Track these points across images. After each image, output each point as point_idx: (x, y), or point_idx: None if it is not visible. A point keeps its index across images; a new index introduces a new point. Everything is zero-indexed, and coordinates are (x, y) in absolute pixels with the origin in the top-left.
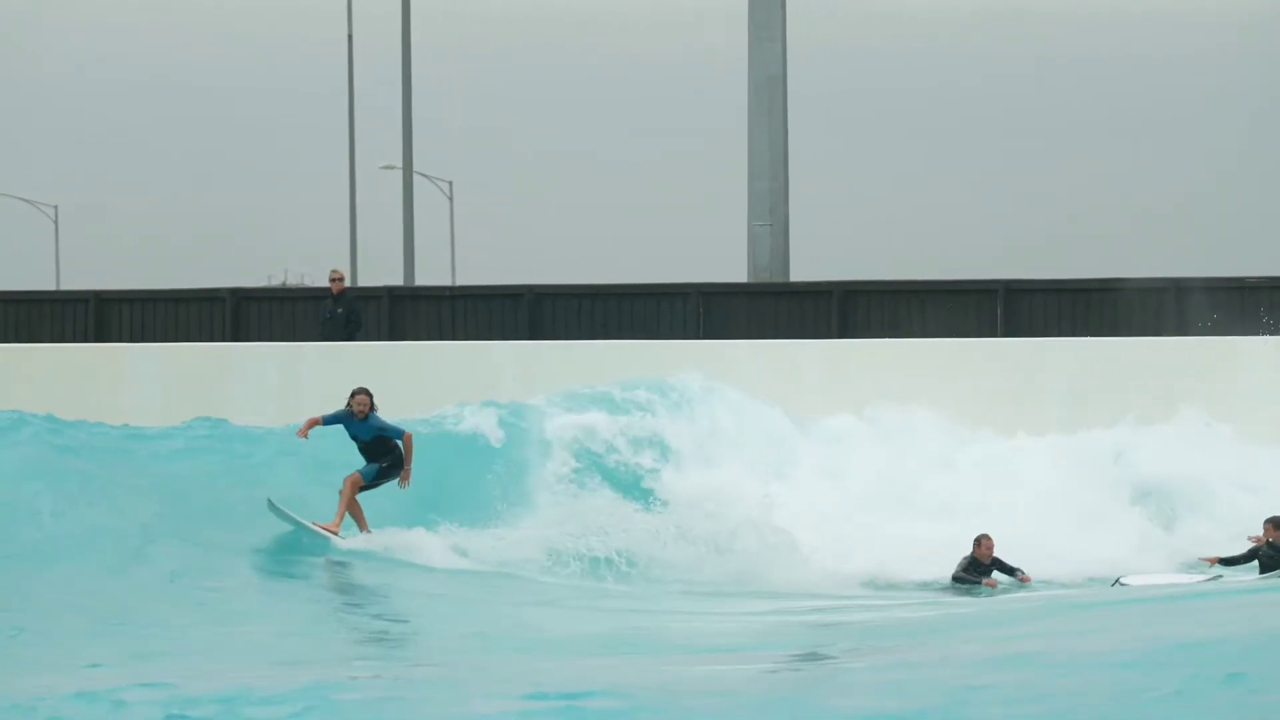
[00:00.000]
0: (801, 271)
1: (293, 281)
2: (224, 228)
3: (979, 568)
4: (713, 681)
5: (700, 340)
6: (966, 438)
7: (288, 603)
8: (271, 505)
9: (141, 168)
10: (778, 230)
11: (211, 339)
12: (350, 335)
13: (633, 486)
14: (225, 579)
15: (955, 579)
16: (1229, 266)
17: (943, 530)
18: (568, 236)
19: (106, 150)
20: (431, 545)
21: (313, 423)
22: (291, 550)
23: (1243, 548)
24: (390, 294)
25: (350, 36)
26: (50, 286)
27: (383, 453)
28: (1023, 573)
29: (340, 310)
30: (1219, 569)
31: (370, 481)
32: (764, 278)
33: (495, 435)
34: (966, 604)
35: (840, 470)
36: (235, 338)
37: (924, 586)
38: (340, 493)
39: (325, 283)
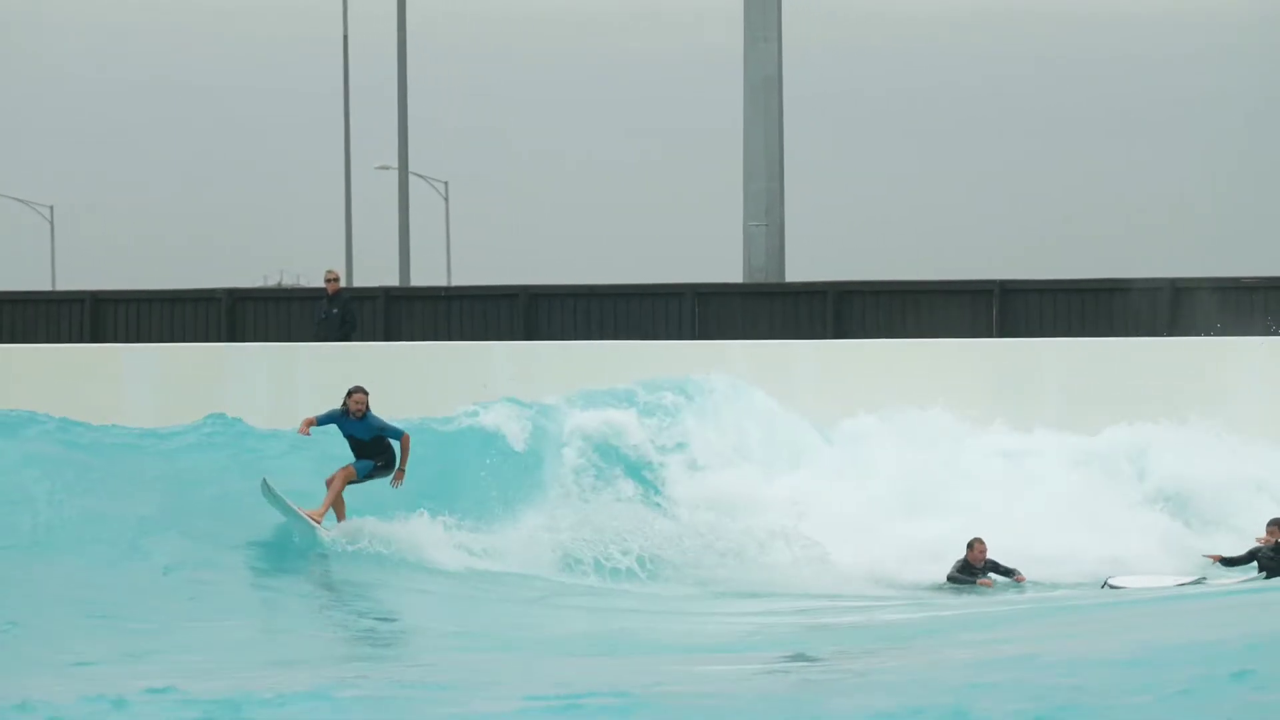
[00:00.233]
0: (797, 272)
1: (288, 282)
2: (220, 228)
3: (972, 570)
4: (712, 682)
5: (696, 340)
6: (980, 438)
7: (289, 601)
8: (266, 487)
9: (137, 168)
10: (773, 230)
11: (207, 339)
12: (345, 336)
13: (651, 487)
14: (222, 573)
15: (950, 579)
16: (1227, 267)
17: (962, 530)
18: (563, 237)
19: (102, 150)
20: (443, 544)
21: (308, 423)
22: (293, 545)
23: (1244, 548)
24: (386, 294)
25: (346, 37)
26: (46, 287)
27: (378, 452)
28: (1018, 573)
29: (335, 311)
30: (1216, 569)
31: (361, 478)
32: (759, 278)
33: (513, 434)
34: (960, 605)
35: (860, 472)
36: (231, 338)
37: (941, 588)
38: (328, 482)
39: (321, 283)
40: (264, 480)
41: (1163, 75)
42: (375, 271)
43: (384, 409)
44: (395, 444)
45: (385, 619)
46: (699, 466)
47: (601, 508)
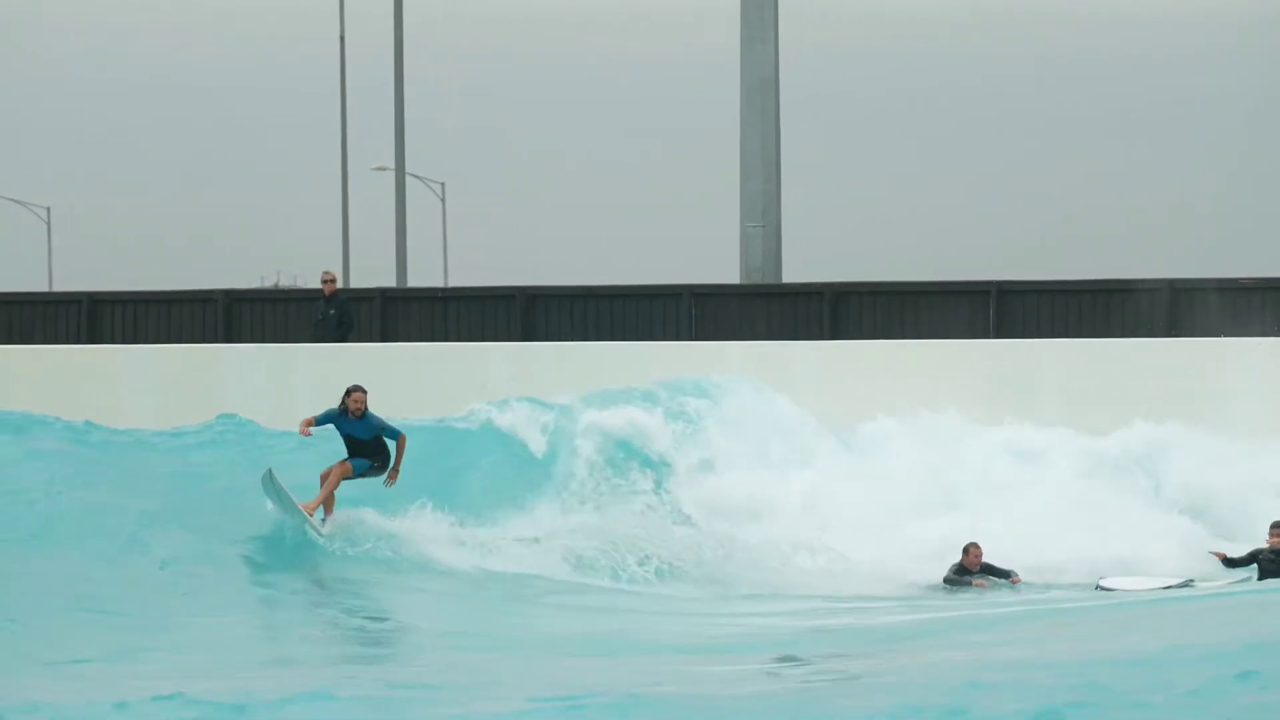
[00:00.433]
0: (794, 273)
1: (285, 283)
2: (217, 228)
3: (968, 574)
4: (714, 683)
5: (694, 341)
6: (991, 440)
7: (288, 598)
8: (270, 476)
9: (134, 169)
10: (770, 231)
11: (204, 340)
12: (342, 336)
13: (664, 489)
14: (220, 568)
15: (946, 581)
16: (1227, 267)
17: (979, 533)
18: (560, 237)
19: (99, 151)
20: (451, 542)
21: (307, 423)
22: (293, 542)
23: (1246, 549)
24: (382, 295)
25: (342, 37)
26: (43, 288)
27: (376, 452)
28: (1014, 575)
29: (332, 311)
30: (1214, 569)
31: (356, 475)
32: (756, 279)
33: (527, 433)
34: (957, 606)
35: (878, 475)
36: (228, 339)
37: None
38: (323, 476)
39: (318, 284)
40: (269, 470)
41: (1163, 75)
42: (372, 272)
43: (381, 410)
44: (391, 444)
45: (381, 619)
46: (716, 469)
47: (615, 509)
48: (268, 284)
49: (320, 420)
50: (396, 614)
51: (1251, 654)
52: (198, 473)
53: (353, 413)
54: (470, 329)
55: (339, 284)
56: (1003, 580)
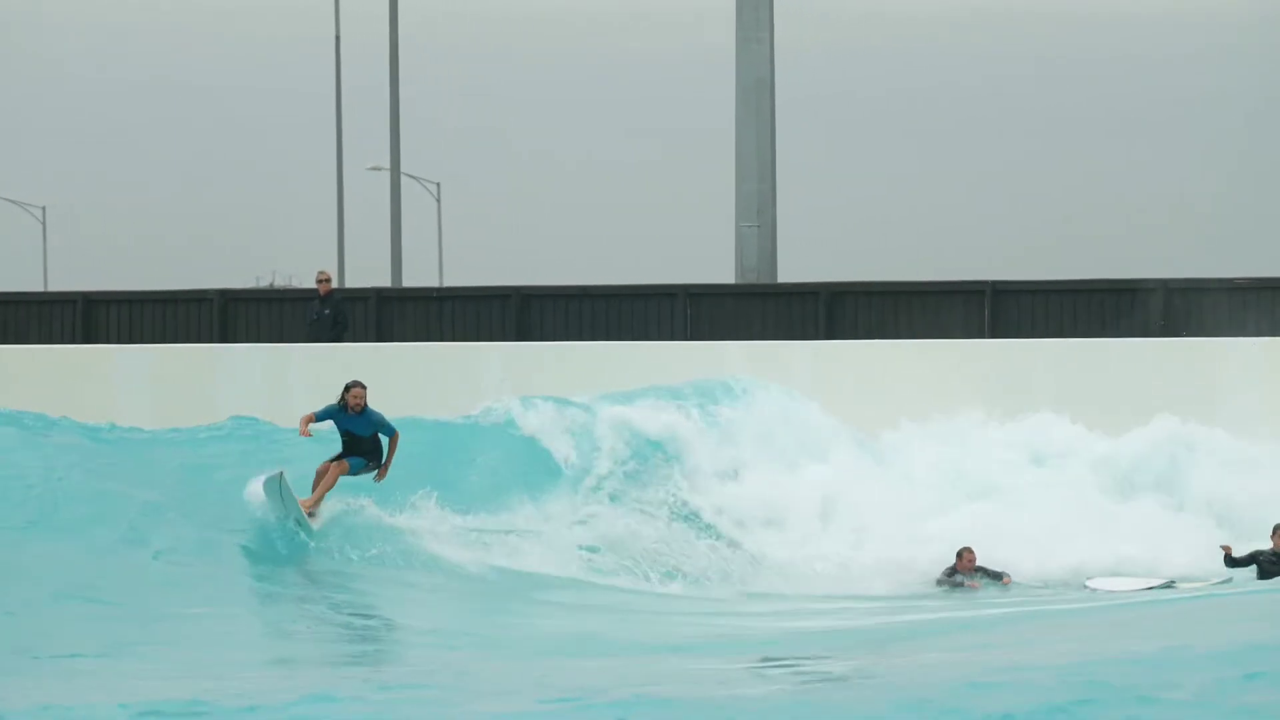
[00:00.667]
0: (790, 273)
1: (280, 283)
2: (212, 228)
3: (961, 576)
4: (714, 684)
5: (689, 341)
6: (1007, 438)
7: (289, 597)
8: (280, 480)
9: (129, 168)
10: (765, 232)
11: (199, 340)
12: (337, 336)
13: (681, 489)
14: (217, 563)
15: (939, 583)
16: (1227, 267)
17: (998, 532)
18: (556, 237)
19: (94, 151)
20: (457, 540)
21: (308, 419)
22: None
23: (1247, 549)
24: (378, 295)
25: (338, 37)
26: (38, 288)
27: (373, 448)
28: (1006, 576)
29: (327, 311)
30: (1185, 575)
31: (353, 473)
32: (751, 279)
33: (544, 434)
34: (950, 608)
35: (896, 479)
36: (223, 339)
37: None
38: (319, 473)
39: (313, 284)
40: (280, 473)
41: (1163, 75)
42: (367, 272)
43: (376, 409)
44: (384, 440)
45: (380, 617)
46: (730, 468)
47: (629, 508)
48: (263, 284)
49: (320, 416)
50: (398, 612)
51: (1254, 654)
52: (205, 465)
53: (352, 408)
54: (465, 329)
55: (334, 284)
56: (995, 581)
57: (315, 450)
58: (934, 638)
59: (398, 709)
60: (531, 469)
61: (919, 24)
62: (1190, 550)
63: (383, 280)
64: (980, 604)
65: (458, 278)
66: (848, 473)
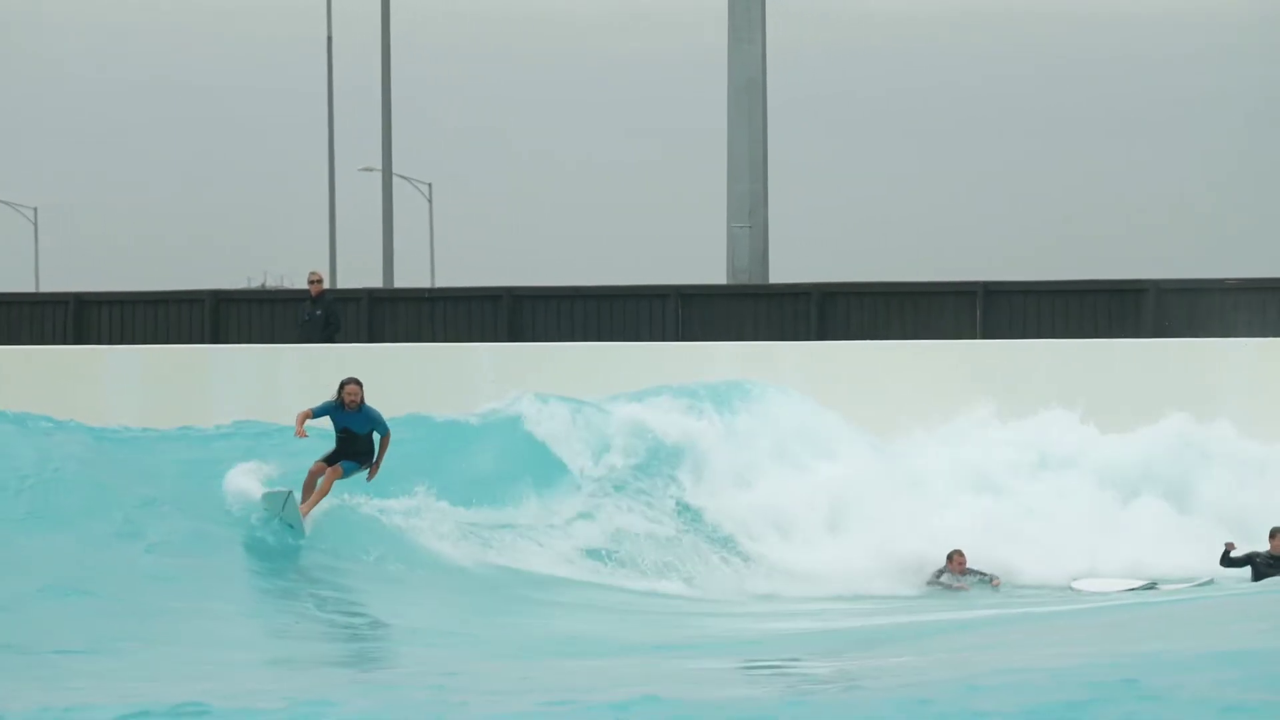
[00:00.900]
0: (783, 274)
1: (272, 283)
2: (204, 229)
3: (952, 578)
4: (707, 685)
5: (682, 342)
6: (1021, 438)
7: (283, 597)
8: (286, 499)
9: (120, 169)
10: (757, 232)
11: (191, 341)
12: (329, 337)
13: (681, 492)
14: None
15: (928, 584)
16: (1227, 267)
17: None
18: (547, 237)
19: (89, 151)
20: (459, 538)
21: (304, 416)
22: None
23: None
24: (369, 296)
25: (329, 38)
26: (29, 288)
27: (365, 448)
28: (996, 578)
29: (319, 312)
30: (1228, 568)
31: (345, 476)
32: (743, 279)
33: (550, 432)
34: (940, 609)
35: (907, 483)
36: (215, 339)
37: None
38: (311, 474)
39: (305, 284)
40: (289, 493)
41: (1163, 75)
42: (359, 273)
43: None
44: (376, 438)
45: (378, 618)
46: (734, 469)
47: (634, 512)
48: (255, 284)
49: (318, 412)
50: (393, 611)
51: (1249, 655)
52: (201, 460)
53: (348, 405)
54: (457, 329)
55: (326, 284)
56: (985, 583)
57: (313, 448)
58: (929, 639)
59: (393, 710)
60: (536, 467)
61: (919, 24)
62: (1195, 551)
63: (375, 281)
64: (974, 605)
65: (450, 278)
66: (849, 474)
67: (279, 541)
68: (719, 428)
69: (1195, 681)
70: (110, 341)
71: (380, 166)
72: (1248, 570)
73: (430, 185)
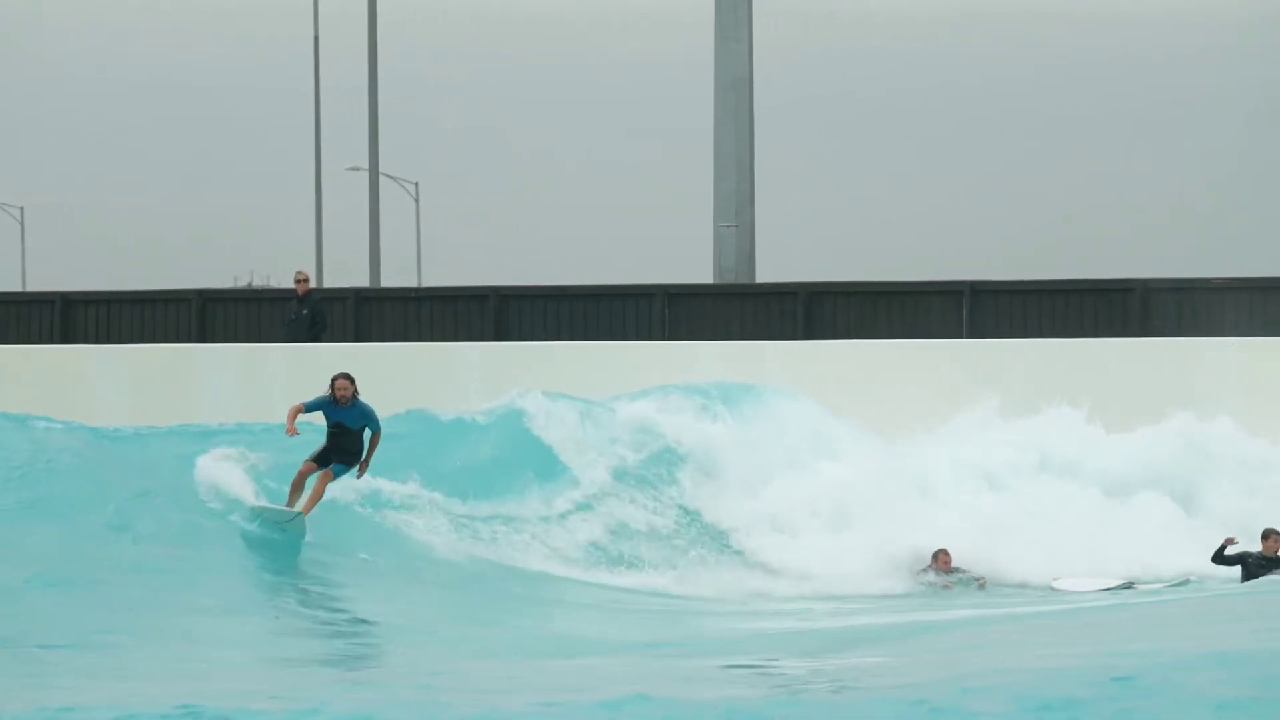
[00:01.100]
0: (770, 273)
1: (258, 283)
2: (191, 229)
3: (937, 577)
4: (698, 684)
5: (669, 341)
6: (1013, 439)
7: (272, 597)
8: (294, 519)
9: (107, 169)
10: (743, 232)
11: (178, 340)
12: (315, 336)
13: (679, 493)
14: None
15: (918, 583)
16: (1227, 267)
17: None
18: (534, 237)
19: (75, 151)
20: (455, 535)
21: (296, 411)
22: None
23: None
24: (356, 295)
25: (316, 37)
26: (16, 288)
27: (356, 446)
28: (982, 579)
29: (305, 311)
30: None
31: (337, 477)
32: (729, 279)
33: (551, 430)
34: (925, 609)
35: (916, 488)
36: (201, 339)
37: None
38: (301, 474)
39: (291, 284)
40: (299, 514)
41: (1163, 75)
42: (346, 272)
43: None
44: (366, 436)
45: (369, 616)
46: (736, 473)
47: (631, 510)
48: (241, 284)
49: (310, 407)
50: (386, 609)
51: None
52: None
53: (339, 400)
54: (444, 329)
55: (312, 284)
56: (971, 583)
57: (302, 445)
58: (917, 638)
59: (380, 710)
60: (531, 465)
61: (919, 24)
62: (1195, 552)
63: (361, 280)
64: (966, 605)
65: (437, 278)
66: (846, 474)
67: (269, 538)
68: (717, 427)
69: (1186, 681)
70: (97, 341)
71: (374, 167)
72: (1237, 570)
73: (417, 185)
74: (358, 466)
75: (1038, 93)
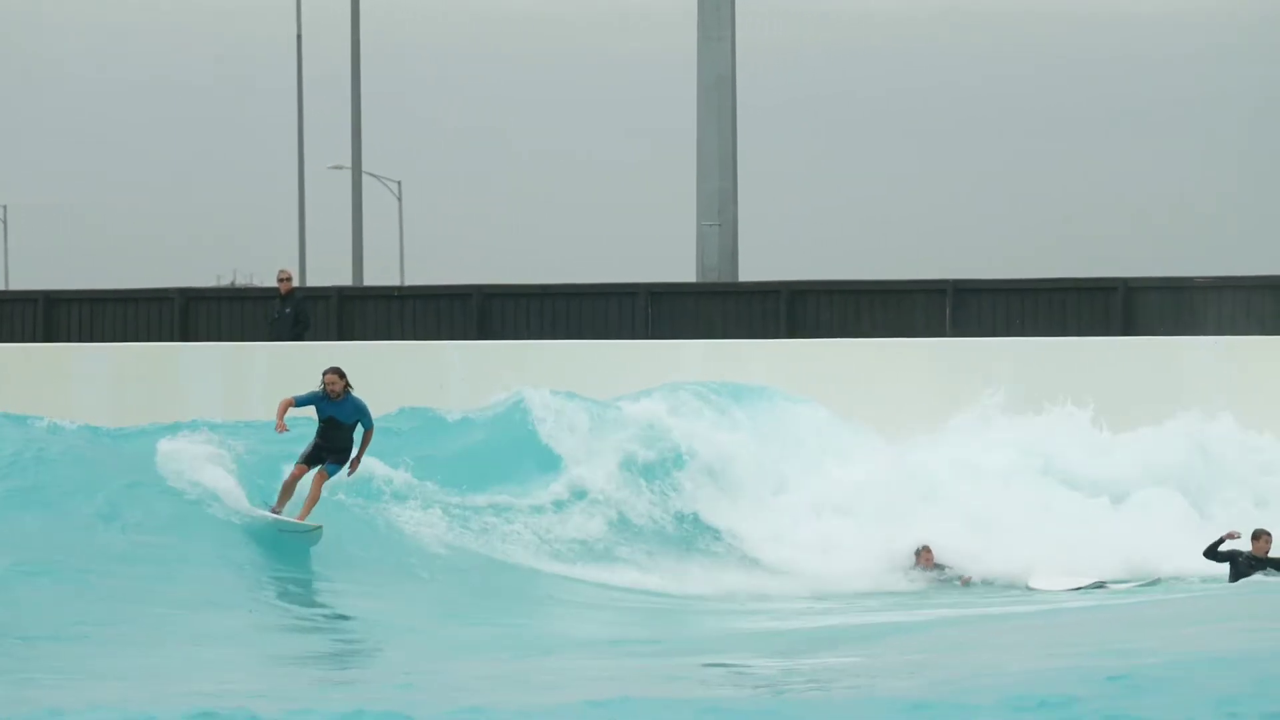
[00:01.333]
0: (754, 272)
1: (241, 282)
2: (175, 228)
3: (921, 573)
4: (689, 684)
5: (652, 340)
6: (1007, 439)
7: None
8: (313, 531)
9: (91, 168)
10: (726, 230)
11: (160, 339)
12: (298, 335)
13: (676, 492)
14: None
15: (909, 579)
16: (1227, 267)
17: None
18: (517, 236)
19: (57, 150)
20: (450, 530)
21: (286, 405)
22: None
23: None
24: (339, 294)
25: (299, 36)
26: None
27: (346, 441)
28: (965, 575)
29: (288, 310)
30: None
31: (331, 475)
32: (712, 278)
33: (549, 428)
34: (929, 606)
35: (883, 476)
36: (184, 338)
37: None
38: (293, 477)
39: (274, 283)
40: (318, 528)
41: (1163, 75)
42: (329, 271)
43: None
44: (358, 434)
45: (359, 613)
46: (735, 473)
47: (628, 509)
48: (224, 283)
49: (301, 401)
50: (376, 607)
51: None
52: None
53: (329, 394)
54: (427, 328)
55: (295, 283)
56: (953, 580)
57: (287, 440)
58: (904, 637)
59: (359, 709)
60: (525, 463)
61: (919, 24)
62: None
63: (344, 279)
64: (961, 604)
65: (421, 276)
66: (845, 473)
67: (260, 535)
68: (716, 427)
69: (1179, 682)
70: (79, 339)
71: (357, 165)
72: (1225, 567)
73: (400, 183)
74: (348, 464)
75: (1038, 93)
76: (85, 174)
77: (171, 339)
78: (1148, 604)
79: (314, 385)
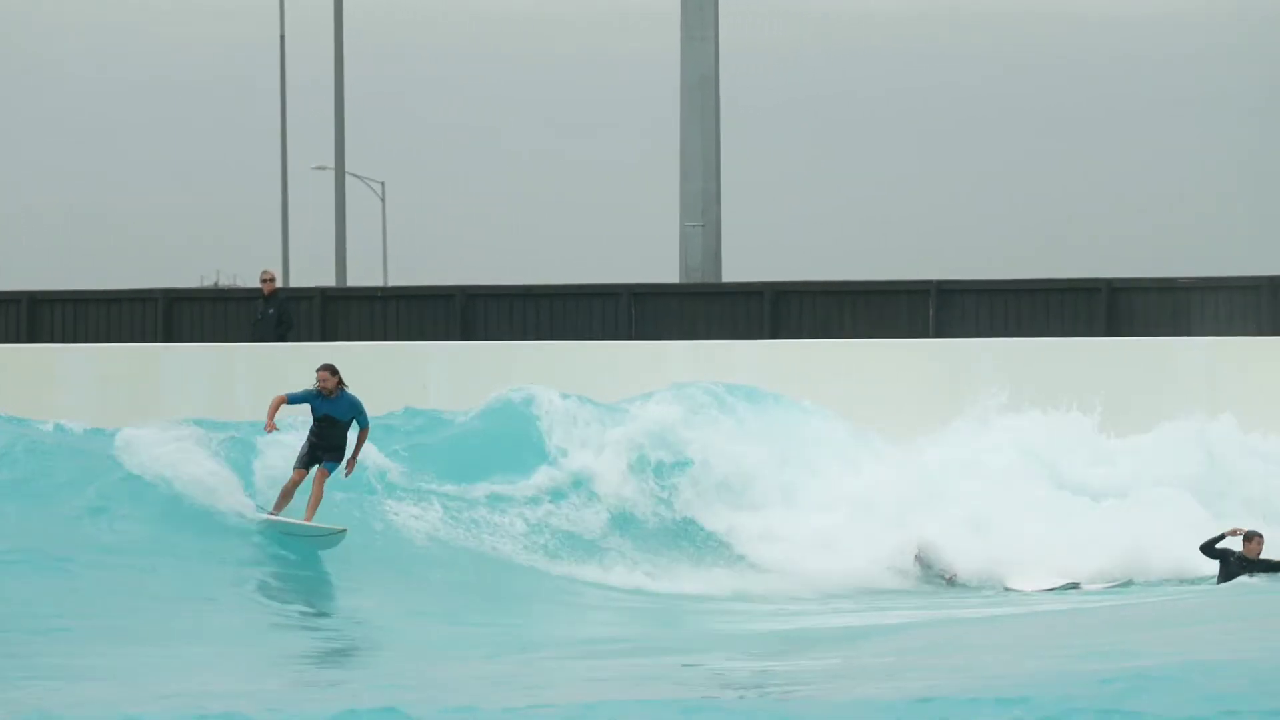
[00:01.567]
0: (737, 273)
1: (225, 282)
2: (157, 228)
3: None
4: (681, 684)
5: (635, 341)
6: (1001, 440)
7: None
8: (336, 534)
9: (76, 169)
10: (710, 231)
11: (144, 340)
12: (282, 336)
13: (671, 492)
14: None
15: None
16: (1227, 267)
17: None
18: (500, 237)
19: (41, 150)
20: (454, 531)
21: (278, 402)
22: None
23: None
24: (322, 294)
25: (282, 36)
26: None
27: (341, 439)
28: (951, 574)
29: (271, 311)
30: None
31: (330, 474)
32: (696, 278)
33: (547, 426)
34: (899, 607)
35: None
36: (168, 339)
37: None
38: (293, 482)
39: (257, 284)
40: (343, 531)
41: (1163, 75)
42: (312, 272)
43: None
44: (355, 430)
45: (350, 612)
46: (725, 465)
47: (624, 508)
48: (207, 284)
49: (295, 399)
50: (366, 605)
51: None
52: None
53: (321, 391)
54: (410, 329)
55: (278, 284)
56: (939, 578)
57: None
58: (896, 637)
59: (343, 711)
60: (519, 461)
61: (919, 24)
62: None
63: (327, 280)
64: (938, 606)
65: (404, 277)
66: (841, 473)
67: (251, 532)
68: (715, 426)
69: (1174, 683)
70: (63, 340)
71: (346, 166)
72: (1221, 569)
73: (383, 184)
74: (345, 464)
75: (1038, 93)
76: (70, 175)
77: (155, 340)
78: (1129, 606)
79: (302, 385)
